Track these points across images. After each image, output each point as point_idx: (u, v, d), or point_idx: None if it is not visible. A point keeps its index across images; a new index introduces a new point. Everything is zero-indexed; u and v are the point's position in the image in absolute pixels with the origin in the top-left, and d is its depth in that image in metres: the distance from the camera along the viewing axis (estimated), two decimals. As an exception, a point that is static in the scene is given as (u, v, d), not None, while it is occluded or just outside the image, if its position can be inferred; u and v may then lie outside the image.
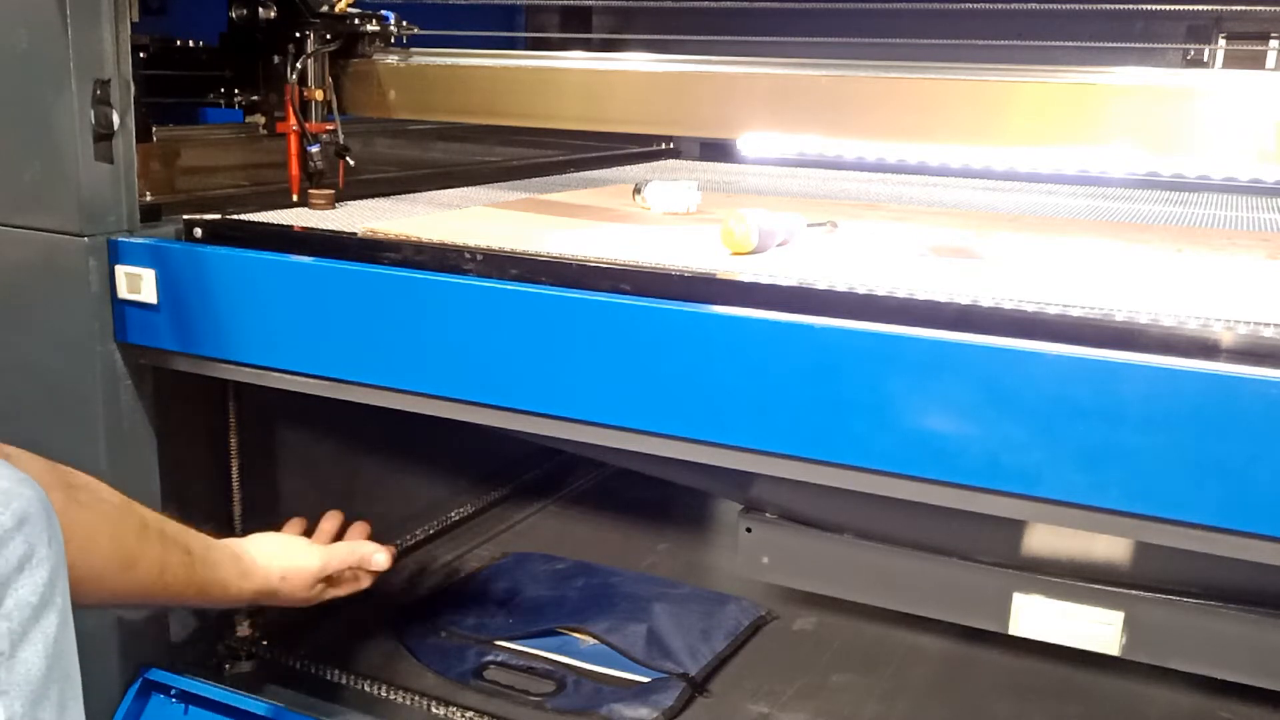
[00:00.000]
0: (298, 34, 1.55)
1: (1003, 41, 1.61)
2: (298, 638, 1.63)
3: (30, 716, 0.82)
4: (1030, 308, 1.01)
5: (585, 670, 1.59)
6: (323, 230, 1.36)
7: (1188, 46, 2.06)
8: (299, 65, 1.54)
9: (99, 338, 1.35)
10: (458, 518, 2.07)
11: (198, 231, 1.38)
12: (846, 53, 1.40)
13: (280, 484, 1.68)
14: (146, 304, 1.34)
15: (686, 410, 1.11)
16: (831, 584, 1.45)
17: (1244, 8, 1.97)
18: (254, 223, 1.40)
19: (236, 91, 1.62)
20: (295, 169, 1.56)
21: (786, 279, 1.11)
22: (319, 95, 1.57)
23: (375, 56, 1.63)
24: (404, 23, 1.65)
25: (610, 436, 1.16)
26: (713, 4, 2.15)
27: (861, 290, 1.07)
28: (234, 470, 1.56)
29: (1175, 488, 0.94)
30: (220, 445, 1.52)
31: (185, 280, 1.32)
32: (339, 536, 1.45)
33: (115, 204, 1.34)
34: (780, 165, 2.36)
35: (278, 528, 1.40)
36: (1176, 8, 1.88)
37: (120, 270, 1.34)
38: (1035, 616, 1.28)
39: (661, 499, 2.12)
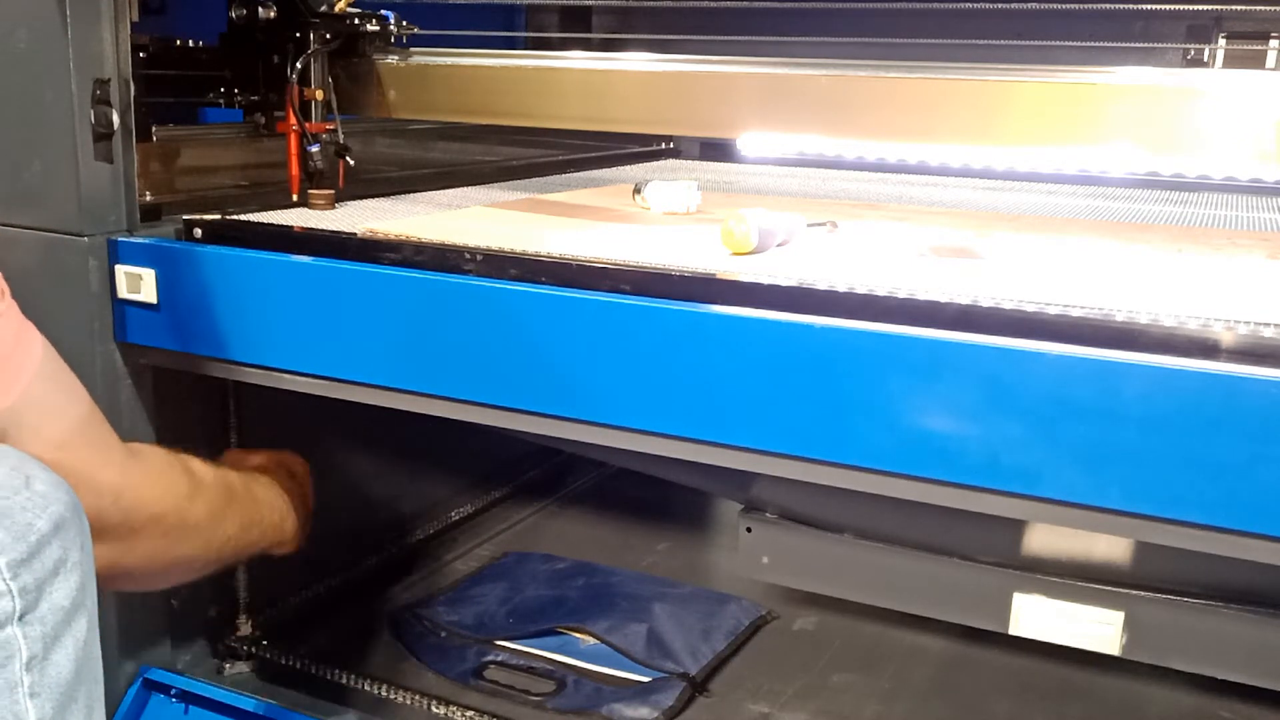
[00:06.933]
0: (298, 34, 1.55)
1: (1003, 41, 1.61)
2: (298, 638, 1.63)
3: (59, 719, 0.83)
4: (1030, 308, 1.01)
5: (585, 670, 1.59)
6: (323, 230, 1.35)
7: (1188, 46, 2.06)
8: (299, 65, 1.54)
9: (99, 338, 1.35)
10: (458, 518, 2.07)
11: (197, 231, 1.37)
12: (846, 53, 1.40)
13: (280, 484, 1.67)
14: (146, 304, 1.34)
15: (686, 410, 1.11)
16: (831, 584, 1.44)
17: (1244, 8, 1.97)
18: (254, 223, 1.40)
19: (236, 91, 1.62)
20: (295, 169, 1.56)
21: (786, 279, 1.11)
22: (319, 95, 1.57)
23: (375, 56, 1.63)
24: (404, 23, 1.65)
25: (610, 436, 1.16)
26: (713, 4, 2.15)
27: (861, 290, 1.07)
28: (234, 470, 1.55)
29: (1175, 488, 0.94)
30: (220, 445, 1.51)
31: (185, 280, 1.32)
32: None
33: (115, 204, 1.34)
34: (780, 165, 2.35)
35: None
36: (1176, 8, 1.88)
37: (120, 270, 1.34)
38: (1035, 616, 1.28)
39: (661, 499, 2.12)
